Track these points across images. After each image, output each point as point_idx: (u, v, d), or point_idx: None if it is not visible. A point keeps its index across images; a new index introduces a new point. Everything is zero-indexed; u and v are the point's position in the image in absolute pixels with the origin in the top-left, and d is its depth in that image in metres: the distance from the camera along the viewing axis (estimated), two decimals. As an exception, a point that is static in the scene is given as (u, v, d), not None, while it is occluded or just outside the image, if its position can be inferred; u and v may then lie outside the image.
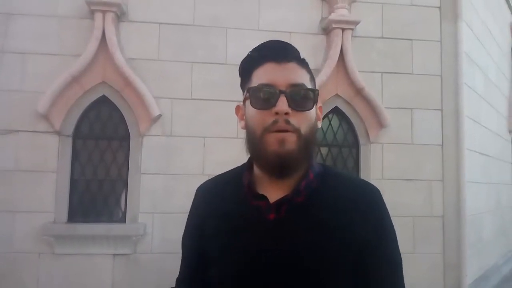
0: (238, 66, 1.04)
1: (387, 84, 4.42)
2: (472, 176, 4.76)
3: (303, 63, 1.00)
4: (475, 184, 4.97)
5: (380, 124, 4.31)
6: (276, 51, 0.98)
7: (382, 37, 4.46)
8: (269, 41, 1.02)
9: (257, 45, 1.03)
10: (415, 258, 4.21)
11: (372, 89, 4.30)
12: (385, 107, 4.31)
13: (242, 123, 1.01)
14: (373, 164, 4.33)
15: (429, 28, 4.57)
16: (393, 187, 4.25)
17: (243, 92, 1.02)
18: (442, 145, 4.48)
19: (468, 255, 4.45)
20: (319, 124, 1.03)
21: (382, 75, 4.42)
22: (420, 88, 4.47)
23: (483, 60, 5.62)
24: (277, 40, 1.02)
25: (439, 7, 4.62)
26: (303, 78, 0.97)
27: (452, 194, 4.44)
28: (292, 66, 0.97)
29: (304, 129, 0.93)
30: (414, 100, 4.45)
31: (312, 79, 1.02)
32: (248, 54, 1.02)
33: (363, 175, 4.30)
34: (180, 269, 1.13)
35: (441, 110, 4.51)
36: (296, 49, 1.01)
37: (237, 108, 1.05)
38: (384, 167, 4.34)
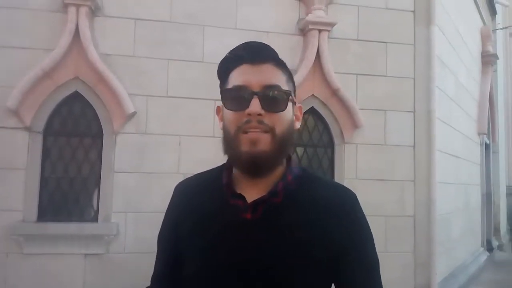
0: (217, 66, 1.04)
1: (362, 85, 4.49)
2: (442, 177, 4.89)
3: (279, 64, 1.00)
4: (445, 185, 5.11)
5: (355, 125, 4.38)
6: (252, 53, 0.98)
7: (358, 39, 4.52)
8: (246, 43, 1.02)
9: (234, 43, 1.03)
10: (387, 257, 4.28)
11: (347, 91, 4.36)
12: (360, 108, 4.38)
13: (221, 124, 1.01)
14: (347, 164, 4.39)
15: (403, 31, 4.67)
16: (366, 187, 4.31)
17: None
18: (414, 146, 4.58)
19: (438, 254, 4.57)
20: (298, 125, 1.03)
21: (357, 76, 4.49)
22: (393, 90, 4.56)
23: (455, 64, 5.78)
24: (254, 42, 1.02)
25: (413, 11, 4.72)
26: (278, 79, 0.97)
27: (423, 194, 4.55)
28: (267, 68, 0.97)
29: (279, 129, 0.94)
30: (387, 101, 4.54)
31: (290, 80, 1.02)
32: (225, 56, 1.02)
33: (337, 175, 4.36)
34: (155, 266, 1.12)
35: (414, 112, 4.61)
36: (273, 50, 1.01)
37: (218, 109, 1.05)
38: (358, 167, 4.41)
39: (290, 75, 1.03)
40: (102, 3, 3.96)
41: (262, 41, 1.03)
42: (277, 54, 1.01)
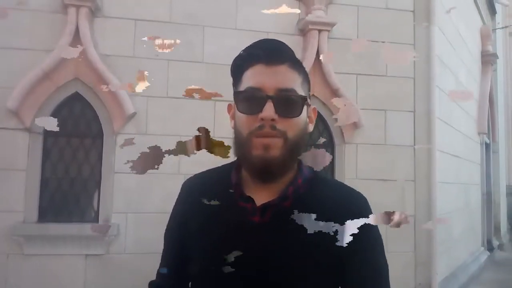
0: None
1: (362, 85, 4.48)
2: (442, 176, 4.88)
3: (296, 65, 0.96)
4: (446, 185, 5.10)
5: (355, 124, 4.37)
6: (268, 52, 0.94)
7: (358, 39, 4.52)
8: (262, 40, 0.99)
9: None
10: (387, 257, 4.26)
11: (347, 91, 4.35)
12: (360, 108, 4.37)
13: (232, 123, 0.99)
14: (347, 164, 4.39)
15: (403, 31, 4.67)
16: (366, 186, 4.28)
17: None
18: (414, 146, 4.57)
19: (438, 253, 4.56)
20: (311, 128, 1.01)
21: (357, 76, 4.49)
22: (393, 90, 4.56)
23: (454, 63, 5.78)
24: (271, 40, 0.99)
25: (413, 11, 4.72)
26: (293, 82, 0.94)
27: (424, 194, 4.54)
28: (283, 69, 0.93)
29: (291, 134, 0.91)
30: (387, 101, 4.53)
31: (305, 81, 0.98)
32: (240, 53, 0.98)
33: (337, 175, 4.36)
34: (161, 262, 1.12)
35: (414, 111, 4.61)
36: (290, 50, 0.98)
37: (229, 106, 1.02)
38: (358, 167, 4.40)
39: (306, 76, 0.99)
40: (102, 3, 3.95)
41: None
42: (293, 54, 0.98)
